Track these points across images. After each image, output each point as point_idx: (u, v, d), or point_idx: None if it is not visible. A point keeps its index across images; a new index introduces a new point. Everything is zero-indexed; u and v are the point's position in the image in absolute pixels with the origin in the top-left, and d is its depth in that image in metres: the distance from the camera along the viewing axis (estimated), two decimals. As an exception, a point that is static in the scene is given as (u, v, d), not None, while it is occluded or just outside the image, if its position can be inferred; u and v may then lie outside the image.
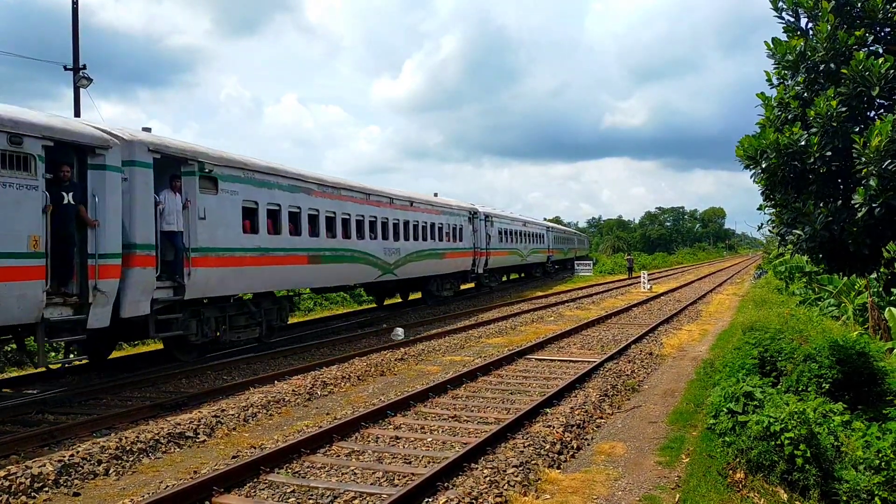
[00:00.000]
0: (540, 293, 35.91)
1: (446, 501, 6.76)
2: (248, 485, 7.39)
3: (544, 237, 51.40)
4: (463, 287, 34.89)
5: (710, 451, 8.44)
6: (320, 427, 9.42)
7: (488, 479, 7.36)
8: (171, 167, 13.32)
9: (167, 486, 7.32)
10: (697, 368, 14.05)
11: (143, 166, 12.31)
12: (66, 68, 21.16)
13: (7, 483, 7.22)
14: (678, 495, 7.23)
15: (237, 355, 15.54)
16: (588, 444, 9.12)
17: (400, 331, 19.10)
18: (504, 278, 45.38)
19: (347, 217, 20.23)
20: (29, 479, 7.37)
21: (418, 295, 30.48)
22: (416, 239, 25.46)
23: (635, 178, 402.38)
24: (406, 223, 24.70)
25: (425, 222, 26.56)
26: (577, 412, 10.28)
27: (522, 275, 49.93)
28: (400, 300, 30.52)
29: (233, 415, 10.29)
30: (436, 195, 31.59)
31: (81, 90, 21.01)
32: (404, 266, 24.18)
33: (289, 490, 7.24)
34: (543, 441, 8.81)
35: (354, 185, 21.15)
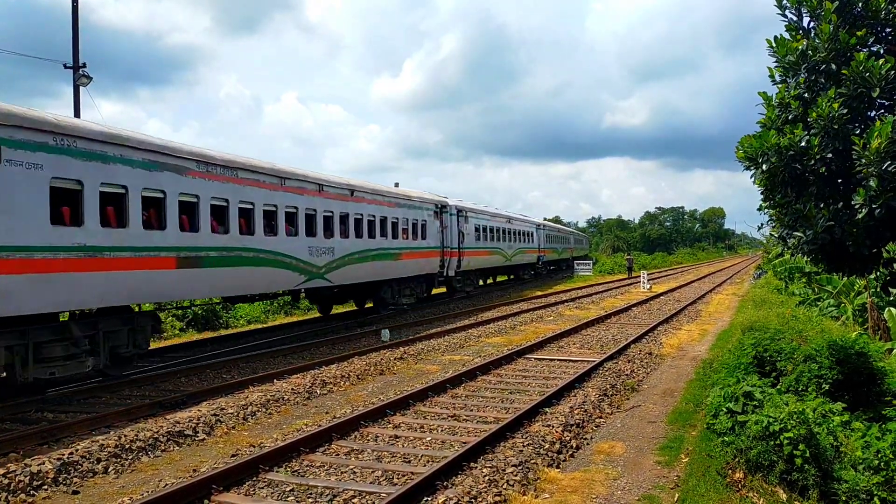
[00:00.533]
0: (539, 293, 35.91)
1: (445, 500, 6.76)
2: (247, 483, 7.39)
3: (534, 235, 47.77)
4: (436, 292, 31.72)
5: (710, 451, 8.44)
6: (319, 426, 9.41)
7: (487, 478, 7.36)
8: None
9: (166, 485, 7.33)
10: (697, 368, 14.05)
11: None
12: (65, 66, 21.15)
13: (6, 481, 7.22)
14: (677, 495, 7.23)
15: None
16: (587, 444, 9.12)
17: (385, 332, 18.46)
18: (489, 280, 42.49)
19: (249, 207, 15.71)
20: (28, 477, 7.37)
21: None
22: (359, 236, 21.01)
23: (635, 177, 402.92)
24: (344, 217, 20.27)
25: (373, 216, 21.98)
26: (576, 412, 10.28)
27: (512, 277, 46.68)
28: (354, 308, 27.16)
29: (232, 413, 10.29)
30: (396, 185, 27.54)
31: (81, 88, 21.00)
32: (341, 270, 19.81)
33: (288, 489, 7.24)
34: (543, 440, 8.81)
35: (260, 166, 16.39)
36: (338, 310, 26.97)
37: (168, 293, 13.65)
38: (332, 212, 19.61)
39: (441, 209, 28.37)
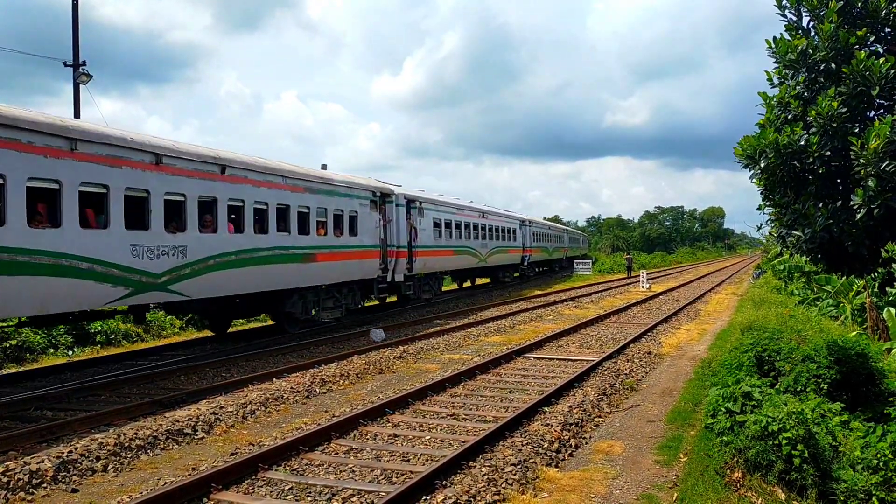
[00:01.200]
0: (539, 292, 35.91)
1: (444, 499, 6.77)
2: (246, 482, 7.39)
3: (517, 233, 42.52)
4: (390, 300, 26.91)
5: (708, 451, 8.44)
6: (319, 424, 9.42)
7: (486, 477, 7.37)
8: None
9: (165, 483, 7.33)
10: (696, 368, 14.05)
11: None
12: (66, 64, 21.16)
13: (6, 479, 7.22)
14: (676, 494, 7.23)
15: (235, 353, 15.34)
16: (586, 443, 9.12)
17: (380, 332, 17.99)
18: (465, 284, 38.44)
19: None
20: (27, 475, 7.37)
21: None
22: (239, 231, 15.43)
23: (635, 177, 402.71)
24: (206, 204, 14.49)
25: (264, 203, 16.09)
26: (575, 411, 10.29)
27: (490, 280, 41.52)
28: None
29: (231, 412, 10.29)
30: (324, 167, 21.47)
31: (81, 86, 21.00)
32: (201, 278, 14.11)
33: (287, 487, 7.24)
34: (542, 440, 8.81)
35: (22, 117, 10.52)
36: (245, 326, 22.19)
37: None
38: (182, 195, 13.74)
39: (382, 199, 22.65)
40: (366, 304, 24.25)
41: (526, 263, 45.10)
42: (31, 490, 7.24)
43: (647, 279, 39.72)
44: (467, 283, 39.72)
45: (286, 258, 16.98)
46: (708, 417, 9.23)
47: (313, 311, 19.28)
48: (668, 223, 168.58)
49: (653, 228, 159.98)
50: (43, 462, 7.69)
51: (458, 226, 30.96)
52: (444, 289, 34.45)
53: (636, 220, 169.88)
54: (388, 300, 26.68)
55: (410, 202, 25.43)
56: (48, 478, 7.49)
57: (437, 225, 28.15)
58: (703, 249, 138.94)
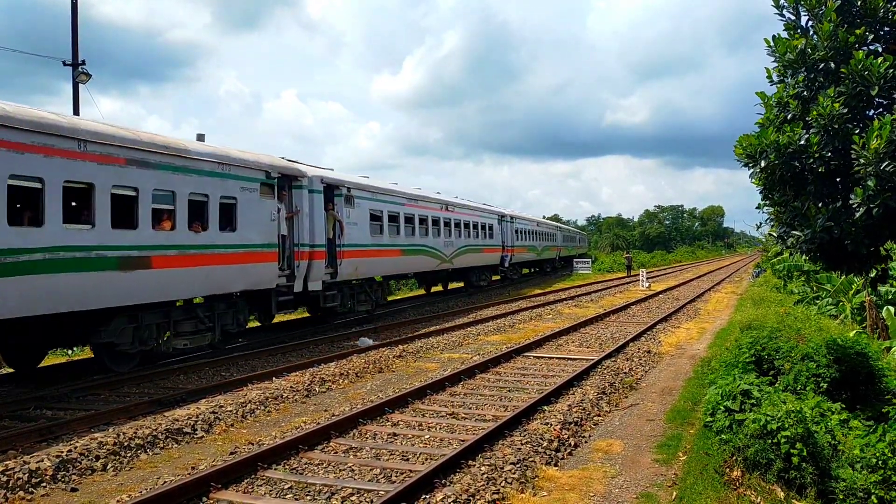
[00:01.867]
0: (538, 291, 35.91)
1: (443, 498, 6.77)
2: (245, 481, 7.39)
3: (494, 229, 36.80)
4: (284, 319, 22.80)
5: (708, 449, 8.45)
6: (318, 424, 9.42)
7: (485, 476, 7.37)
8: None
9: (165, 482, 7.33)
10: (695, 366, 14.07)
11: None
12: (65, 64, 21.15)
13: (5, 478, 7.22)
14: (675, 493, 7.24)
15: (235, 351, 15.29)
16: (585, 442, 9.13)
17: (364, 339, 16.82)
18: (436, 288, 33.92)
19: None
20: (27, 475, 7.37)
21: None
22: None
23: (635, 176, 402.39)
24: None
25: (35, 180, 10.86)
26: (574, 410, 10.29)
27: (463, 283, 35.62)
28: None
29: (231, 411, 10.29)
30: (201, 138, 16.42)
31: (80, 85, 20.99)
32: None
33: (286, 486, 7.25)
34: (541, 439, 8.82)
35: None
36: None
37: None
38: None
39: (284, 182, 17.39)
40: (284, 319, 21.25)
41: (507, 264, 39.74)
42: (30, 489, 7.24)
43: (647, 278, 39.72)
44: (438, 288, 34.94)
45: (86, 264, 11.65)
46: (707, 416, 9.24)
47: (160, 339, 13.99)
48: (667, 222, 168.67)
49: (652, 227, 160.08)
50: (42, 461, 7.69)
51: (409, 220, 25.40)
52: (397, 296, 32.18)
53: (636, 219, 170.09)
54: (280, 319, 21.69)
55: (332, 188, 19.79)
56: (48, 477, 7.49)
57: (376, 218, 22.75)
58: (702, 248, 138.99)
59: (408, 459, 8.15)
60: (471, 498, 6.81)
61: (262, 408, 10.76)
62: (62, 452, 7.99)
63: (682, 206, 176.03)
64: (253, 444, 8.78)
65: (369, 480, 7.42)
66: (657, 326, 20.68)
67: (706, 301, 30.18)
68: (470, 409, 10.61)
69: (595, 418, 10.28)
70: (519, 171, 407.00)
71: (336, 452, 8.43)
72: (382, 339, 17.75)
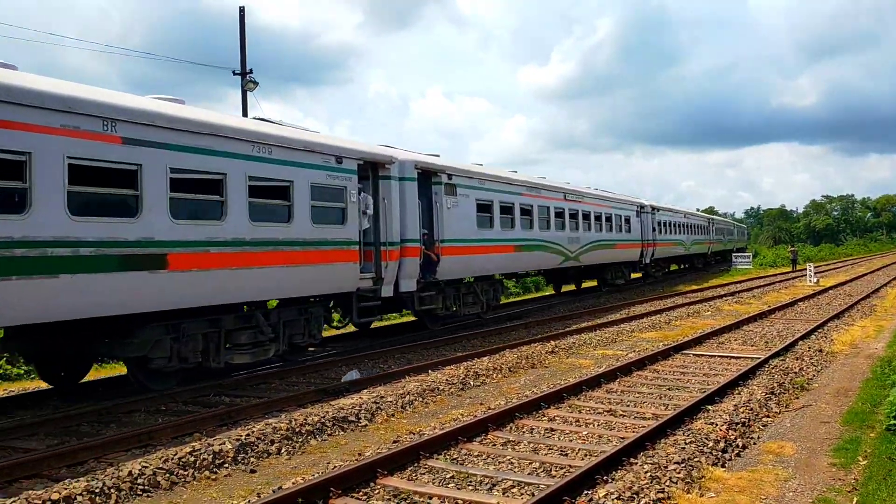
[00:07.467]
0: (695, 286, 34.48)
1: (606, 495, 6.66)
2: (409, 469, 7.63)
3: (632, 222, 33.48)
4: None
5: (891, 454, 7.79)
6: (475, 416, 9.55)
7: (649, 474, 7.17)
8: None
9: (335, 466, 7.70)
10: (873, 367, 13.01)
11: None
12: (234, 73, 22.74)
13: (192, 458, 7.86)
14: (855, 499, 6.73)
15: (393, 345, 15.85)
16: (754, 444, 8.67)
17: (352, 373, 13.47)
18: (567, 288, 31.79)
19: None
20: (211, 456, 7.98)
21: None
22: None
23: (800, 163, 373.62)
24: None
25: None
26: (741, 410, 9.79)
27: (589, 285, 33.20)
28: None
29: (391, 401, 10.66)
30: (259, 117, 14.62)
31: (248, 93, 22.50)
32: None
33: (448, 476, 7.40)
34: (706, 438, 8.46)
35: None
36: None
37: None
38: None
39: (369, 169, 15.14)
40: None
41: (648, 260, 36.04)
42: (214, 469, 7.83)
43: (815, 273, 37.08)
44: (571, 287, 32.43)
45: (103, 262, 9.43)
46: (890, 419, 8.54)
47: (219, 351, 11.79)
48: (836, 213, 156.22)
49: (819, 219, 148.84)
50: (224, 444, 8.29)
51: (526, 211, 22.11)
52: (524, 297, 30.54)
53: (800, 211, 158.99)
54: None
55: (429, 174, 17.25)
56: (229, 458, 8.08)
57: (484, 209, 19.67)
58: (876, 241, 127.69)
59: (566, 455, 8.09)
60: (634, 496, 6.65)
61: (420, 399, 11.05)
62: (241, 436, 8.58)
63: (852, 195, 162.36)
64: (413, 434, 9.04)
65: (529, 474, 7.43)
66: (829, 324, 19.26)
67: (882, 297, 27.74)
68: (628, 406, 10.37)
69: (764, 419, 9.74)
70: (670, 162, 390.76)
71: (494, 445, 8.52)
72: (533, 335, 17.71)
